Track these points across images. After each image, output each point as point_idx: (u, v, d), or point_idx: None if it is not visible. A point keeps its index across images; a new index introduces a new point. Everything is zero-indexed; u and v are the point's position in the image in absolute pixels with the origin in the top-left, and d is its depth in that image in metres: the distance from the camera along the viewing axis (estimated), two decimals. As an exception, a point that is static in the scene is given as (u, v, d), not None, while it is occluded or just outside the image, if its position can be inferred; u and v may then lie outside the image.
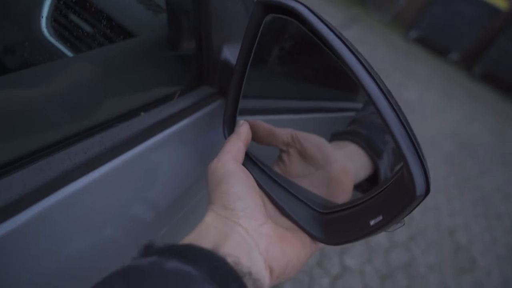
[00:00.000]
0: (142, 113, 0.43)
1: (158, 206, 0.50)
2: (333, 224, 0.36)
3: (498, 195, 3.32)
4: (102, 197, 0.37)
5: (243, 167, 0.37)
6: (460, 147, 3.77)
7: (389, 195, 0.32)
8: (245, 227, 0.32)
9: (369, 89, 0.31)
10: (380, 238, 2.18)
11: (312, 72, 0.44)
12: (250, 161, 0.42)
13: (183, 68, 0.55)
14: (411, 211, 0.31)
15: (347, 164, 0.44)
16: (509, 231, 2.91)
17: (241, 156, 0.39)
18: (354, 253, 1.98)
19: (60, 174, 0.31)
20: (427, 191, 0.30)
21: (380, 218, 0.32)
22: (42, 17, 0.55)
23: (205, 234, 0.31)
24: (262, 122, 0.44)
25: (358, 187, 0.47)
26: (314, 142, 0.43)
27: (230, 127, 0.44)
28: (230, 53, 0.54)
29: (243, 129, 0.40)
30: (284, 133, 0.44)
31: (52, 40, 0.54)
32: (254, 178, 0.38)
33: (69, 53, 0.53)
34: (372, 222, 0.32)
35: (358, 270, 1.92)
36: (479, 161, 3.73)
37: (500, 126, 4.87)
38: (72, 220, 0.34)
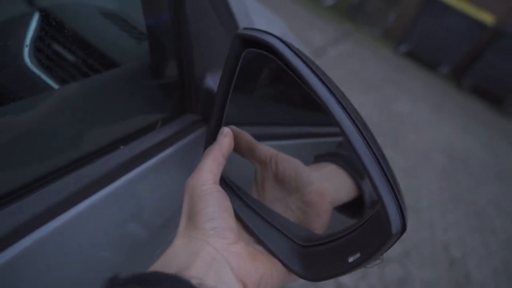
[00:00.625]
0: (122, 146, 0.43)
1: (141, 238, 0.49)
2: (312, 258, 0.35)
3: (492, 209, 3.33)
4: (79, 236, 0.36)
5: (219, 186, 0.36)
6: (453, 160, 3.80)
7: (366, 231, 0.32)
8: (214, 246, 0.32)
9: (343, 125, 0.31)
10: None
11: (292, 99, 0.44)
12: (225, 186, 0.42)
13: (166, 97, 0.54)
14: (388, 248, 0.30)
15: (323, 185, 0.42)
16: (504, 245, 2.91)
17: (219, 172, 0.38)
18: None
19: (31, 217, 0.30)
20: (403, 229, 0.29)
21: (358, 255, 0.31)
22: (26, 46, 0.55)
23: (173, 257, 0.31)
24: (247, 134, 0.43)
25: (343, 210, 0.46)
26: (289, 164, 0.42)
27: None
28: (213, 81, 0.54)
29: (226, 141, 0.39)
30: (263, 152, 0.43)
31: (35, 70, 0.54)
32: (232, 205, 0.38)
33: (51, 83, 0.52)
34: (350, 259, 0.32)
35: (353, 287, 1.90)
36: (472, 174, 3.75)
37: (491, 139, 4.92)
38: (47, 262, 0.33)
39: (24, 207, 0.30)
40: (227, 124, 0.42)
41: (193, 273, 0.28)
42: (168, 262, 0.31)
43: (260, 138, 0.42)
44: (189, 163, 0.55)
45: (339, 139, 0.51)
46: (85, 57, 0.56)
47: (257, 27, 0.99)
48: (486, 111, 5.86)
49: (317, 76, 0.33)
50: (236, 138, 0.41)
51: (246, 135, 0.43)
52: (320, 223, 0.41)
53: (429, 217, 2.75)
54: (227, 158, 0.39)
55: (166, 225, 0.53)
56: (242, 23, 0.67)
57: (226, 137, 0.39)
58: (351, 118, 0.31)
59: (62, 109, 0.44)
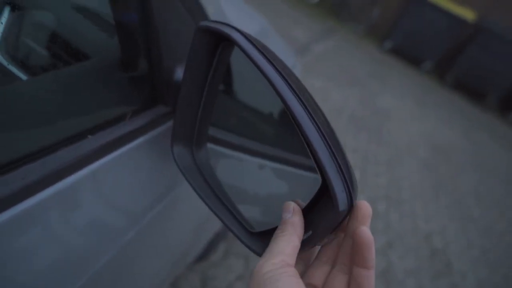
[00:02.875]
0: (90, 136, 0.44)
1: (110, 223, 0.50)
2: (268, 236, 0.37)
3: (472, 198, 3.42)
4: (42, 223, 0.37)
5: (293, 270, 0.31)
6: (435, 153, 3.89)
7: (318, 211, 0.34)
8: None
9: (292, 108, 0.33)
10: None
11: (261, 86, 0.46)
12: (196, 170, 0.44)
13: (137, 89, 0.56)
14: (337, 226, 0.32)
15: None
16: (483, 234, 3.00)
17: (295, 256, 0.32)
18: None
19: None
20: (350, 205, 0.32)
21: (310, 233, 0.33)
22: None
23: None
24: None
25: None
26: None
27: (178, 145, 0.46)
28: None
29: (297, 220, 0.34)
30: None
31: (5, 63, 0.55)
32: (199, 194, 0.40)
33: (23, 76, 0.53)
34: (303, 237, 0.34)
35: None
36: (453, 165, 3.85)
37: (472, 131, 5.05)
38: (13, 247, 0.34)
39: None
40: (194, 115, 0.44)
41: None
42: None
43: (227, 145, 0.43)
44: (160, 152, 0.57)
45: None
46: (56, 50, 0.57)
47: (233, 22, 1.00)
48: (467, 105, 6.00)
49: (270, 62, 0.35)
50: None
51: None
52: None
53: (412, 208, 2.82)
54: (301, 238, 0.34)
55: (134, 210, 0.54)
56: (214, 17, 0.68)
57: (296, 215, 0.34)
58: (301, 101, 0.33)
59: (31, 99, 0.45)
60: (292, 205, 0.35)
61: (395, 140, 3.71)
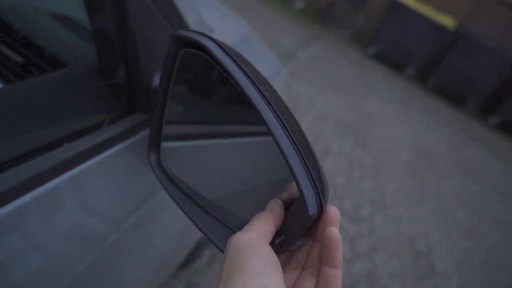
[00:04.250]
0: (65, 144, 0.44)
1: (86, 234, 0.50)
2: None
3: (454, 201, 3.50)
4: (17, 231, 0.37)
5: (267, 243, 0.33)
6: (418, 156, 3.96)
7: (291, 216, 0.35)
8: None
9: (265, 116, 0.34)
10: (343, 249, 2.23)
11: (230, 99, 0.46)
12: (167, 177, 0.44)
13: (114, 96, 0.56)
14: (308, 230, 0.33)
15: None
16: (466, 236, 3.06)
17: (269, 235, 0.34)
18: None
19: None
20: (320, 211, 0.32)
21: (282, 237, 0.34)
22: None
23: None
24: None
25: None
26: None
27: (154, 152, 0.46)
28: (162, 81, 0.55)
29: (279, 210, 0.36)
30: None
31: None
32: (173, 199, 0.40)
33: (-2, 83, 0.52)
34: (276, 241, 0.35)
35: (322, 283, 1.95)
36: (436, 169, 3.93)
37: (454, 135, 5.17)
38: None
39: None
40: (168, 123, 0.45)
41: None
42: None
43: (199, 136, 0.44)
44: (139, 159, 0.57)
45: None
46: (33, 58, 0.56)
47: (215, 29, 1.00)
48: (449, 110, 6.15)
49: (243, 71, 0.36)
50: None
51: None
52: None
53: (396, 212, 2.86)
54: (278, 227, 0.36)
55: (113, 217, 0.54)
56: (195, 27, 0.69)
57: (279, 206, 0.36)
58: (273, 109, 0.34)
59: (6, 107, 0.45)
60: (278, 201, 0.37)
61: (380, 144, 3.78)
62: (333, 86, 4.54)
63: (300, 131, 0.39)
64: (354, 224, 2.48)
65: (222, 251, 0.38)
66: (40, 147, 0.42)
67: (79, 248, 0.50)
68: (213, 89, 0.45)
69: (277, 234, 0.35)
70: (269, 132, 0.33)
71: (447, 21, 6.08)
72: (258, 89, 0.35)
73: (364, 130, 3.90)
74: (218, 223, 0.41)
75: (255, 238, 0.32)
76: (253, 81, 0.36)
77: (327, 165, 2.93)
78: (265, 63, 1.38)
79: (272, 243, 0.35)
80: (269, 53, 1.56)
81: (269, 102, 0.35)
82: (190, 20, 0.72)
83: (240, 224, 0.42)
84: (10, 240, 0.37)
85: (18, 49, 0.53)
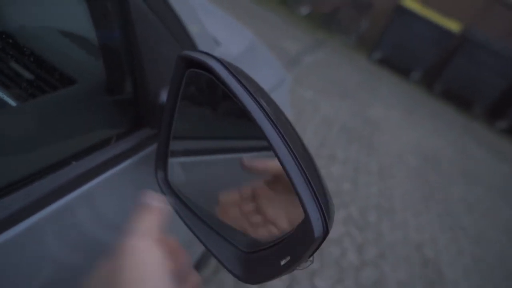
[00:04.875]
0: (74, 162, 0.44)
1: (96, 249, 0.50)
2: (251, 263, 0.38)
3: (461, 206, 3.46)
4: (28, 251, 0.38)
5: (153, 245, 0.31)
6: (425, 162, 3.93)
7: (296, 237, 0.35)
8: None
9: (270, 138, 0.34)
10: (351, 257, 2.22)
11: (236, 115, 0.47)
12: (174, 195, 0.44)
13: (122, 112, 0.57)
14: (314, 251, 0.33)
15: None
16: (474, 242, 3.02)
17: (160, 230, 0.33)
18: (325, 275, 2.00)
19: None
20: (326, 233, 0.33)
21: (288, 258, 0.34)
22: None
23: None
24: (253, 160, 0.42)
25: None
26: None
27: (161, 169, 0.46)
28: (168, 97, 0.56)
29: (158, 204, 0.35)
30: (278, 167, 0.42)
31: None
32: (180, 217, 0.40)
33: (9, 101, 0.54)
34: (282, 262, 0.35)
35: (329, 291, 1.93)
36: (442, 174, 3.90)
37: (461, 140, 5.13)
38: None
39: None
40: (174, 139, 0.45)
41: None
42: None
43: (205, 152, 0.44)
44: (146, 173, 0.57)
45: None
46: (43, 75, 0.57)
47: (220, 39, 1.01)
48: (455, 114, 6.11)
49: (249, 93, 0.36)
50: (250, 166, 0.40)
51: (254, 162, 0.42)
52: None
53: (403, 218, 2.84)
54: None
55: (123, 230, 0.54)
56: (200, 41, 0.70)
57: (153, 200, 0.35)
58: (279, 131, 0.34)
59: (19, 126, 0.46)
60: (149, 194, 0.35)
61: (385, 150, 3.76)
62: (338, 91, 4.53)
63: (305, 149, 0.39)
64: (361, 231, 2.46)
65: (232, 273, 0.38)
66: (50, 165, 0.43)
67: (91, 261, 0.50)
68: (219, 105, 0.45)
69: (283, 254, 0.35)
70: (274, 154, 0.34)
71: (453, 25, 6.06)
72: (264, 111, 0.36)
73: (370, 135, 3.88)
74: (226, 242, 0.41)
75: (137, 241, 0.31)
76: (258, 103, 0.36)
77: (333, 171, 2.92)
78: (270, 71, 1.39)
79: (277, 264, 0.36)
80: (274, 61, 1.57)
81: (273, 122, 0.36)
82: (194, 30, 0.72)
83: (247, 243, 0.42)
84: (25, 257, 0.37)
85: (30, 67, 0.54)
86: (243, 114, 0.40)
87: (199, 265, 1.48)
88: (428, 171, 3.79)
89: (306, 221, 0.33)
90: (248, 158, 0.42)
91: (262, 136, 0.35)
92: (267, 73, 1.29)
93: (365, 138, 3.75)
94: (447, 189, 3.66)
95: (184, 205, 0.45)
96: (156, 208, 0.34)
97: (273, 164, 0.40)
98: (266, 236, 0.44)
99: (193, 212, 0.44)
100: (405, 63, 6.42)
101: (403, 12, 6.18)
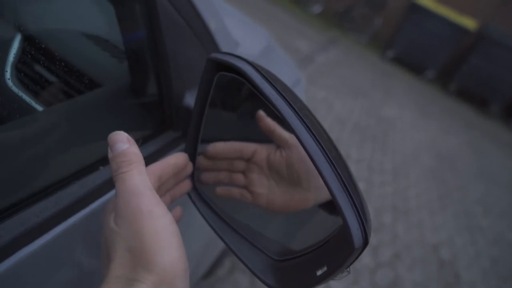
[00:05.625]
0: (101, 167, 0.44)
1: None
2: (283, 271, 0.37)
3: (479, 207, 3.39)
4: (57, 258, 0.37)
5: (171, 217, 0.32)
6: (440, 161, 3.86)
7: (333, 246, 0.34)
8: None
9: (307, 144, 0.33)
10: (365, 258, 2.19)
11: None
12: (202, 201, 0.44)
13: (147, 115, 0.56)
14: (352, 262, 0.32)
15: (312, 197, 0.44)
16: (492, 243, 2.96)
17: (151, 180, 0.33)
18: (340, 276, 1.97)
19: (11, 240, 0.31)
20: (365, 243, 0.31)
21: (325, 268, 0.33)
22: (7, 70, 0.56)
23: None
24: (268, 117, 0.43)
25: (324, 207, 0.47)
26: (303, 161, 0.41)
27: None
28: (192, 100, 0.56)
29: (135, 147, 0.35)
30: (283, 136, 0.43)
31: (17, 90, 0.55)
32: (206, 220, 0.39)
33: (34, 104, 0.54)
34: (318, 272, 0.34)
35: (344, 293, 1.91)
36: (458, 174, 3.82)
37: (477, 139, 5.02)
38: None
39: (3, 231, 0.31)
40: (203, 142, 0.44)
41: None
42: None
43: None
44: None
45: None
46: (69, 78, 0.57)
47: (240, 41, 1.00)
48: (471, 113, 5.98)
49: (282, 96, 0.35)
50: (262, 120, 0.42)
51: (267, 119, 0.43)
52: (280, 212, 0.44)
53: (418, 218, 2.79)
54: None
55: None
56: (222, 42, 0.69)
57: (130, 142, 0.35)
58: (316, 139, 0.33)
59: (44, 132, 0.46)
60: (122, 138, 0.34)
61: (400, 149, 3.70)
62: (351, 90, 4.48)
63: (338, 152, 0.38)
64: (376, 232, 2.43)
65: (263, 281, 0.37)
66: (77, 171, 0.43)
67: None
68: (248, 108, 0.44)
69: (319, 264, 0.34)
70: (312, 163, 0.33)
71: (468, 22, 5.92)
72: (298, 115, 0.35)
73: (384, 134, 3.83)
74: (256, 249, 0.40)
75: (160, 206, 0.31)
76: (292, 107, 0.35)
77: (347, 171, 2.89)
78: (286, 71, 1.37)
79: (313, 274, 0.34)
80: (289, 61, 1.56)
81: (309, 128, 0.34)
82: (212, 26, 0.71)
83: (278, 250, 0.41)
84: (58, 261, 0.37)
85: (55, 70, 0.54)
86: (275, 116, 0.39)
87: (215, 266, 1.48)
88: (444, 170, 3.72)
89: (345, 230, 0.31)
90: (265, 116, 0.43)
91: (297, 140, 0.34)
92: (284, 73, 1.28)
93: (379, 138, 3.70)
94: (463, 189, 3.58)
95: (211, 210, 0.44)
96: (135, 153, 0.34)
97: (279, 132, 0.42)
98: (237, 197, 0.45)
99: (221, 218, 0.43)
100: (419, 61, 6.31)
101: (417, 9, 6.07)
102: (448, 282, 2.36)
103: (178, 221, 0.41)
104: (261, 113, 0.43)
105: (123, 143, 0.34)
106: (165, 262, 0.28)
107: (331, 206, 0.48)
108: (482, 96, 6.11)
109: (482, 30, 5.95)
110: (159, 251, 0.28)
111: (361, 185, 2.82)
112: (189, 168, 0.44)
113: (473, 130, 5.30)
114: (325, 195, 0.46)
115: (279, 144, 0.44)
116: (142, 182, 0.31)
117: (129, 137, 0.34)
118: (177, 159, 0.41)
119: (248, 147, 0.46)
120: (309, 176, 0.43)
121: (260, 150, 0.45)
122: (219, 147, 0.46)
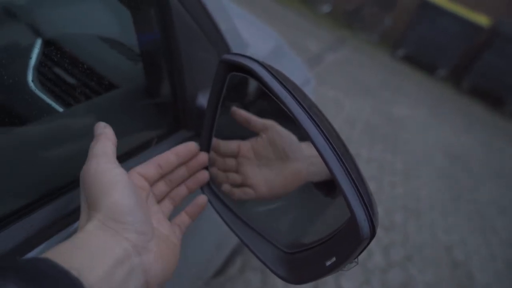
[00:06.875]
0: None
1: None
2: (294, 263, 0.39)
3: (493, 208, 3.33)
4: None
5: (126, 172, 0.36)
6: (453, 161, 3.81)
7: (341, 237, 0.35)
8: (133, 243, 0.32)
9: (316, 141, 0.34)
10: (377, 258, 2.18)
11: (278, 118, 0.47)
12: (213, 195, 0.45)
13: (161, 115, 0.58)
14: (360, 253, 0.34)
15: (304, 166, 0.46)
16: (506, 245, 2.91)
17: (115, 158, 0.38)
18: (351, 276, 1.97)
19: (37, 231, 0.33)
20: (373, 234, 0.33)
21: (334, 259, 0.35)
22: (29, 73, 0.59)
23: (82, 245, 0.29)
24: (241, 110, 0.47)
25: (320, 187, 0.48)
26: (284, 136, 0.45)
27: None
28: (205, 100, 0.57)
29: (109, 130, 0.40)
30: (259, 122, 0.47)
31: (38, 92, 0.58)
32: (220, 215, 0.41)
33: (55, 105, 0.56)
34: (328, 263, 0.35)
35: (355, 292, 1.91)
36: (472, 174, 3.76)
37: (490, 139, 4.93)
38: None
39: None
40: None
41: (95, 276, 0.26)
42: (72, 251, 0.28)
43: None
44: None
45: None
46: (87, 80, 0.60)
47: (249, 42, 1.02)
48: (485, 111, 5.88)
49: (292, 94, 0.37)
50: (233, 115, 0.46)
51: (240, 111, 0.46)
52: (280, 194, 0.46)
53: (431, 219, 2.76)
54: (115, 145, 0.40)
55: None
56: (233, 43, 0.71)
57: (106, 128, 0.40)
58: (323, 134, 0.35)
59: (64, 132, 0.48)
60: (102, 124, 0.41)
61: (411, 149, 3.67)
62: (361, 89, 4.46)
63: (346, 149, 0.39)
64: (387, 231, 2.42)
65: (275, 273, 0.39)
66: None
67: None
68: (261, 108, 0.46)
69: (328, 255, 0.35)
70: (321, 158, 0.34)
71: (481, 19, 5.83)
72: (307, 112, 0.36)
73: (395, 134, 3.80)
74: (267, 242, 0.42)
75: (118, 170, 0.35)
76: (302, 105, 0.37)
77: (357, 171, 2.88)
78: (296, 71, 1.39)
79: (322, 265, 0.36)
80: (299, 61, 1.57)
81: (318, 125, 0.36)
82: (222, 27, 0.73)
83: (289, 243, 0.43)
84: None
85: (75, 74, 0.56)
86: (285, 116, 0.40)
87: (225, 264, 1.50)
88: (457, 171, 3.67)
89: (352, 221, 0.33)
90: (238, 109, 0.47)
91: (307, 138, 0.35)
92: (293, 73, 1.29)
93: (390, 137, 3.68)
94: (477, 189, 3.53)
95: (225, 206, 0.46)
96: (106, 133, 0.39)
97: (255, 120, 0.46)
98: (242, 196, 0.47)
99: (233, 212, 0.45)
100: (431, 60, 6.23)
101: (428, 7, 6.00)
102: (461, 283, 2.33)
103: (203, 208, 0.44)
104: (234, 108, 0.46)
105: (99, 128, 0.40)
106: (108, 203, 0.33)
107: (330, 187, 0.49)
108: (496, 94, 6.00)
109: (496, 27, 5.84)
110: (103, 195, 0.33)
111: (372, 185, 2.80)
112: (202, 158, 0.46)
113: (487, 130, 5.21)
114: (316, 168, 0.46)
115: (258, 131, 0.47)
116: (100, 149, 0.37)
117: (106, 124, 0.41)
118: (179, 147, 0.43)
119: (232, 143, 0.48)
120: (293, 147, 0.45)
121: (244, 143, 0.48)
122: (219, 144, 0.49)
